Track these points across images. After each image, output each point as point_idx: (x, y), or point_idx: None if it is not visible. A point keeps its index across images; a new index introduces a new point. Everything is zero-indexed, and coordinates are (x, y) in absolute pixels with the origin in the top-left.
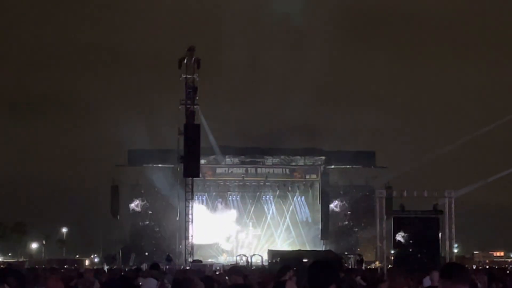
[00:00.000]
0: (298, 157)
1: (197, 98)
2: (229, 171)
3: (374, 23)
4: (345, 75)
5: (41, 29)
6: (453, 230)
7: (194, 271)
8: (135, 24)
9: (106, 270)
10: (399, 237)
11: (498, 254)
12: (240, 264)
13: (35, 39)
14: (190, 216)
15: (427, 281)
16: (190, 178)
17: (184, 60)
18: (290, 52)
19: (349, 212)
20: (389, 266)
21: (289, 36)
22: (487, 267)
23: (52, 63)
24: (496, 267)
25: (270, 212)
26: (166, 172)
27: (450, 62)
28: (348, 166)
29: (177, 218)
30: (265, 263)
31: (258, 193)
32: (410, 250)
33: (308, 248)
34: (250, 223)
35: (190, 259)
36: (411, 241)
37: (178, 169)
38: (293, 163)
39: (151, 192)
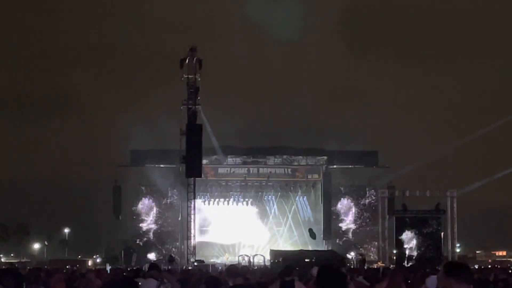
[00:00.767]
0: (300, 157)
1: (199, 98)
2: (231, 171)
3: (376, 23)
4: (347, 75)
5: (41, 29)
6: (456, 230)
7: (200, 271)
8: (138, 24)
9: (108, 271)
10: (402, 236)
11: (500, 253)
12: (242, 264)
13: (36, 40)
14: (192, 216)
15: (430, 282)
16: (192, 178)
17: (186, 60)
18: (292, 53)
19: (351, 212)
20: (391, 266)
21: (292, 36)
22: (489, 266)
23: (57, 63)
24: (499, 266)
25: (272, 212)
26: (168, 172)
27: (452, 62)
28: (350, 166)
29: (179, 218)
30: (267, 263)
31: (260, 193)
32: (412, 249)
33: (310, 248)
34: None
35: (192, 259)
36: (413, 241)
37: (180, 169)
38: (295, 163)
39: (153, 192)
